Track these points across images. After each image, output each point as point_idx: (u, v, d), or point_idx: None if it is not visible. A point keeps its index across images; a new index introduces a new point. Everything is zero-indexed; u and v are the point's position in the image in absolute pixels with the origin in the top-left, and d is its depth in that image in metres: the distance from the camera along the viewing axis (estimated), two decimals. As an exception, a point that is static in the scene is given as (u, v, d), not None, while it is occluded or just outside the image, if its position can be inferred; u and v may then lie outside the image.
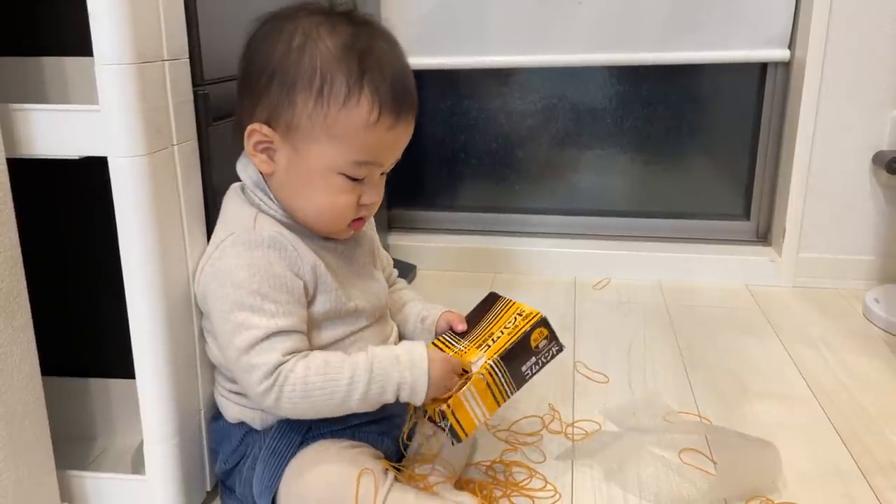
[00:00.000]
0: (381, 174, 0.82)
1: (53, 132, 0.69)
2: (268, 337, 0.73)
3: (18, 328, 0.69)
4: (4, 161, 0.66)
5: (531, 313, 0.87)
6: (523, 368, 0.84)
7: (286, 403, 0.73)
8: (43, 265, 0.77)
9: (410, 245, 1.75)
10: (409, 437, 0.88)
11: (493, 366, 0.82)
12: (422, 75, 1.72)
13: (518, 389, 0.84)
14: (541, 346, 0.85)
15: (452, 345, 0.88)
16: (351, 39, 0.75)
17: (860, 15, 1.46)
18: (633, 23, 1.59)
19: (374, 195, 0.80)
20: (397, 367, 0.76)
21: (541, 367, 0.86)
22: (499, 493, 0.88)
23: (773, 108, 1.65)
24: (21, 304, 0.69)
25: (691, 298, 1.55)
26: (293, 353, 0.73)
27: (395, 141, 0.79)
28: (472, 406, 0.81)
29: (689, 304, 1.51)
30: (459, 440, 0.82)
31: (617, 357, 1.27)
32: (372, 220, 0.94)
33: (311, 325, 0.80)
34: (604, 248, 1.70)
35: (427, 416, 0.82)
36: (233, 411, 0.83)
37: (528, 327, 0.84)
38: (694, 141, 1.75)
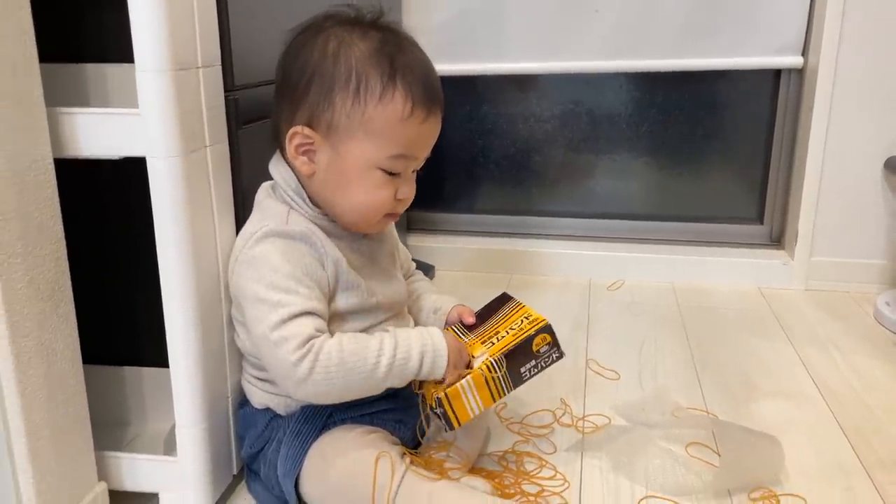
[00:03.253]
0: (414, 171, 0.87)
1: (97, 134, 0.74)
2: (303, 314, 0.77)
3: (62, 316, 0.74)
4: (52, 161, 0.72)
5: (537, 318, 0.90)
6: (522, 370, 0.88)
7: (319, 374, 0.76)
8: (84, 262, 0.82)
9: (429, 246, 1.79)
10: (426, 426, 0.93)
11: (494, 363, 0.85)
12: (442, 81, 1.76)
13: (514, 389, 0.87)
14: (542, 350, 0.88)
15: (459, 336, 0.92)
16: (381, 43, 0.81)
17: (872, 22, 1.49)
18: (648, 30, 1.62)
19: (409, 190, 0.85)
20: (418, 338, 0.82)
21: (539, 371, 0.89)
22: (510, 481, 0.92)
23: (786, 114, 1.68)
24: (65, 294, 0.75)
25: (704, 300, 1.58)
26: (323, 332, 0.78)
27: (427, 134, 0.84)
28: (467, 398, 0.85)
29: (702, 306, 1.54)
30: (452, 428, 0.85)
31: (628, 355, 1.30)
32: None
33: (337, 319, 0.84)
34: (618, 251, 1.74)
35: (423, 401, 0.86)
36: (259, 397, 0.87)
37: (532, 331, 0.88)
38: (709, 146, 1.77)
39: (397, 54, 0.81)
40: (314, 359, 0.76)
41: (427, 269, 1.69)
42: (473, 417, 0.86)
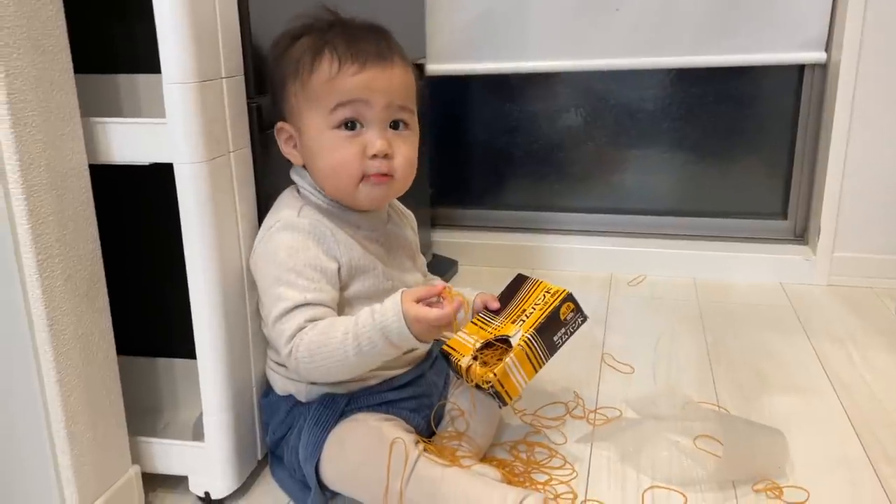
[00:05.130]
0: (394, 127, 0.88)
1: (128, 142, 0.80)
2: (297, 307, 0.83)
3: (98, 310, 0.80)
4: (87, 168, 0.77)
5: (558, 290, 0.96)
6: (555, 338, 0.94)
7: (302, 364, 0.83)
8: (121, 261, 0.88)
9: (453, 242, 1.83)
10: (440, 416, 0.97)
11: (531, 338, 0.91)
12: (464, 80, 1.81)
13: (552, 356, 0.94)
14: (568, 318, 0.95)
15: (489, 322, 0.97)
16: (323, 33, 0.87)
17: (895, 15, 1.49)
18: (670, 27, 1.63)
19: (382, 143, 0.85)
20: (373, 315, 0.81)
21: (569, 336, 0.96)
22: (519, 470, 0.96)
23: (810, 109, 1.68)
24: (100, 290, 0.80)
25: (725, 296, 1.59)
26: (314, 320, 0.83)
27: (369, 82, 0.85)
28: (514, 374, 0.91)
29: (722, 302, 1.56)
30: (505, 404, 0.91)
31: (644, 349, 1.33)
32: (415, 225, 1.03)
33: (355, 303, 0.89)
34: (640, 246, 1.76)
35: (476, 385, 0.91)
36: (281, 384, 0.93)
37: (557, 302, 0.94)
38: (732, 141, 1.78)
39: (330, 30, 0.86)
40: (296, 354, 0.83)
41: (451, 265, 1.73)
42: (521, 391, 0.92)
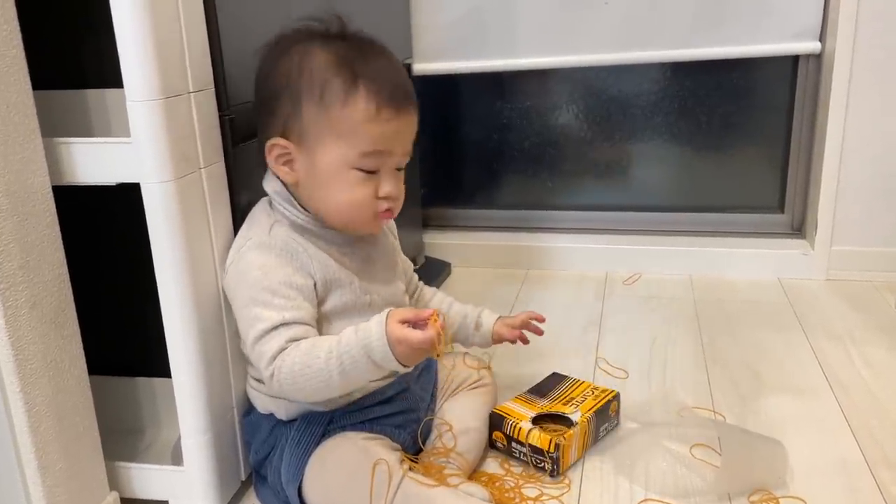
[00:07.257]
0: (398, 169, 0.88)
1: (92, 162, 0.77)
2: (275, 327, 0.80)
3: (67, 337, 0.78)
4: (50, 191, 0.75)
5: (606, 389, 1.06)
6: (601, 429, 1.02)
7: (285, 386, 0.80)
8: (98, 280, 0.86)
9: (445, 243, 1.80)
10: (427, 432, 0.95)
11: (591, 418, 0.99)
12: (454, 78, 1.77)
13: (590, 447, 1.00)
14: (612, 415, 1.04)
15: (535, 401, 1.02)
16: (343, 51, 0.84)
17: (889, 4, 1.45)
18: (661, 20, 1.60)
19: (392, 187, 0.86)
20: (356, 332, 0.79)
21: (606, 434, 1.03)
22: (510, 485, 0.94)
23: (805, 101, 1.65)
24: (69, 316, 0.78)
25: (721, 293, 1.56)
26: (295, 340, 0.80)
27: (398, 131, 0.85)
28: (574, 446, 0.96)
29: (719, 299, 1.53)
30: (558, 473, 0.94)
31: (638, 352, 1.30)
32: (395, 228, 1.01)
33: (332, 318, 0.87)
34: (636, 244, 1.73)
35: (533, 449, 0.94)
36: (261, 402, 0.91)
37: (610, 397, 1.03)
38: (727, 135, 1.75)
39: (357, 59, 0.83)
40: (278, 377, 0.80)
41: (443, 267, 1.70)
42: (570, 465, 0.97)
